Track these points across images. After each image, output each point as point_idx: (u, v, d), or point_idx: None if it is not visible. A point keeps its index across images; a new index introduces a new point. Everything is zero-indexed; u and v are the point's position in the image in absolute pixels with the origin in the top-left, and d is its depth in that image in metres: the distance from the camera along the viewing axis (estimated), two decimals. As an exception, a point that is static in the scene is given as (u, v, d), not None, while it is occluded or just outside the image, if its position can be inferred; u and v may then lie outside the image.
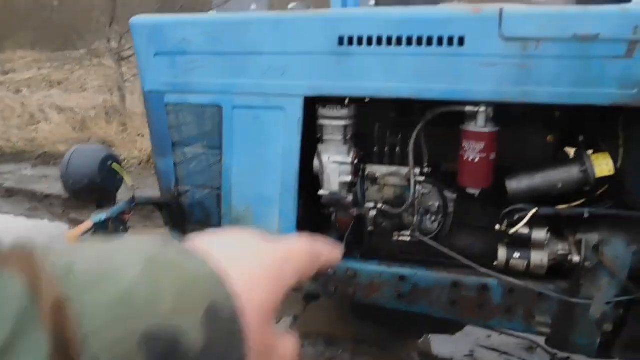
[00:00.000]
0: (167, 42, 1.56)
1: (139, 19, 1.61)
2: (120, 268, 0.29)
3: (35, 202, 4.75)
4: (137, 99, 6.80)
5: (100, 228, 1.46)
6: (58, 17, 9.83)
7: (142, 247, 0.32)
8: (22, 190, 5.02)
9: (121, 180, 1.54)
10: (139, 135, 6.10)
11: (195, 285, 0.32)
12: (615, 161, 1.45)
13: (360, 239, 1.66)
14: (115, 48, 7.25)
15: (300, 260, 0.41)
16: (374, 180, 1.60)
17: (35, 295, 0.25)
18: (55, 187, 4.80)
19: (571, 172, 1.45)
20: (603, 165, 1.43)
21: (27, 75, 10.89)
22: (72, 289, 0.27)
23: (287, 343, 0.41)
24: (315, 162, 1.61)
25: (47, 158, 6.13)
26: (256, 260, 0.38)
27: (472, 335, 2.47)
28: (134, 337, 0.28)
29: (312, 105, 1.54)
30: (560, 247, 1.46)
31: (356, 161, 1.59)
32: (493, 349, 2.45)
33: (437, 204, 1.58)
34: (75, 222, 4.31)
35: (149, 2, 8.80)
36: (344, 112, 1.52)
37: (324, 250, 0.44)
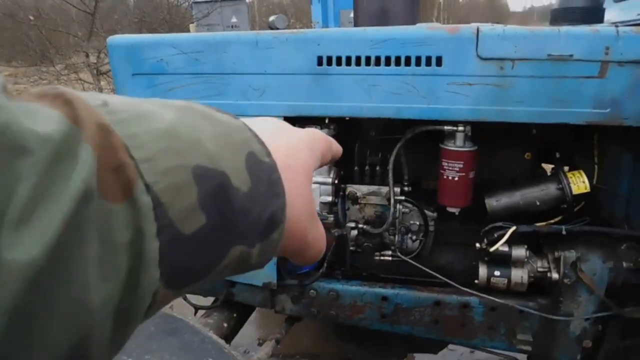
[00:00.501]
0: (145, 62, 1.55)
1: (116, 39, 1.59)
2: (153, 112, 0.28)
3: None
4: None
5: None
6: (35, 32, 9.70)
7: (169, 101, 0.31)
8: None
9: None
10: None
11: (231, 133, 0.33)
12: (590, 178, 1.48)
13: (342, 260, 1.65)
14: (93, 63, 7.19)
15: (323, 142, 0.45)
16: (355, 199, 1.59)
17: (76, 121, 0.23)
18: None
19: (549, 190, 1.47)
20: (579, 183, 1.45)
21: (3, 90, 10.66)
22: (113, 120, 0.25)
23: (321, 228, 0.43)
24: (296, 182, 1.60)
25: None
26: (291, 133, 0.42)
27: (456, 350, 2.47)
28: (187, 169, 0.27)
29: (292, 126, 1.54)
30: (540, 265, 1.47)
31: (337, 181, 1.58)
32: (477, 364, 2.46)
33: (417, 223, 1.59)
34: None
35: (128, 17, 8.76)
36: (323, 131, 1.52)
37: (334, 142, 0.49)
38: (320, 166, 0.46)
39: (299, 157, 0.40)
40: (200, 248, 0.28)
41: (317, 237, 0.41)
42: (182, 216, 0.26)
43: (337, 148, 0.49)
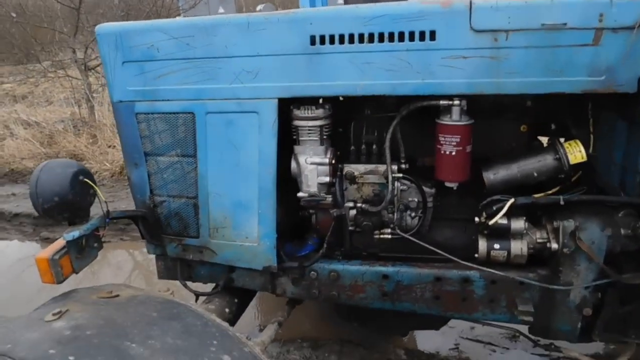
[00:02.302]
0: (135, 50, 1.52)
1: (105, 27, 1.56)
2: None
3: (3, 222, 4.59)
4: (106, 109, 6.65)
5: (74, 246, 1.40)
6: (18, 30, 9.55)
7: None
8: (-11, 211, 4.85)
9: (94, 194, 1.45)
10: (109, 146, 5.96)
11: None
12: (586, 147, 1.48)
13: (342, 240, 1.65)
14: (81, 59, 7.09)
15: None
16: (352, 179, 1.59)
17: None
18: (24, 205, 4.64)
19: (546, 161, 1.47)
20: (576, 152, 1.45)
21: (-11, 90, 10.56)
22: None
23: None
24: (293, 164, 1.59)
25: (14, 175, 5.94)
26: None
27: (457, 327, 2.49)
28: None
29: (286, 107, 1.53)
30: (539, 236, 1.47)
31: (334, 161, 1.58)
32: (477, 341, 2.48)
33: (416, 199, 1.59)
34: (47, 241, 4.18)
35: (113, 10, 8.63)
36: (319, 112, 1.51)
37: None
38: None
39: None
40: None
41: None
42: None
43: None
